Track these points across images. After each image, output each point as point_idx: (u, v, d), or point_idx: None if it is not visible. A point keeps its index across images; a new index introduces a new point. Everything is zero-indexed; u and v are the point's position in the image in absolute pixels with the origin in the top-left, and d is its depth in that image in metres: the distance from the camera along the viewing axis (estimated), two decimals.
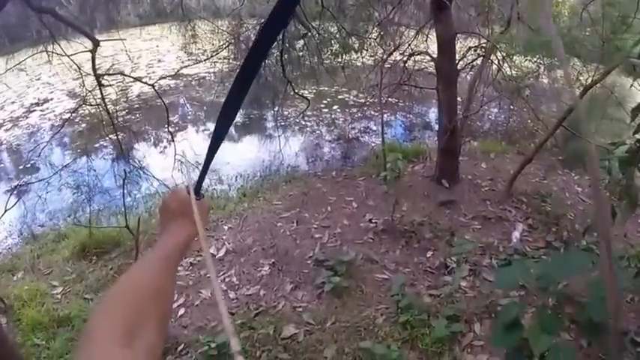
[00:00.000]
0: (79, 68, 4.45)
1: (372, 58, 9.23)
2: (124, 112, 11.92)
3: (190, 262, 5.27)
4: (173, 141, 5.00)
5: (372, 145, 8.95)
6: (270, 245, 5.45)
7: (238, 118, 10.81)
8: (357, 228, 5.65)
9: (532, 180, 6.64)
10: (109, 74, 4.75)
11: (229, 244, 5.58)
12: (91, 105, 3.76)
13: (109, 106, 4.55)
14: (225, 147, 9.33)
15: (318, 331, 4.11)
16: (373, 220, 5.70)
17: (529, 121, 9.09)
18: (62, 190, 6.97)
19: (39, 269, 5.60)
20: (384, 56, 7.46)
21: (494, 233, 5.47)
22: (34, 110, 13.02)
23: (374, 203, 6.22)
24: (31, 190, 6.97)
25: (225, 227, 5.98)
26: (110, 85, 5.33)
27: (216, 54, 5.54)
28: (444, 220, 5.75)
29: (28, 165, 9.13)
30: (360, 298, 4.47)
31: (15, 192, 6.37)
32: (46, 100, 13.69)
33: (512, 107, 8.23)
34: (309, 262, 5.08)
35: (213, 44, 6.99)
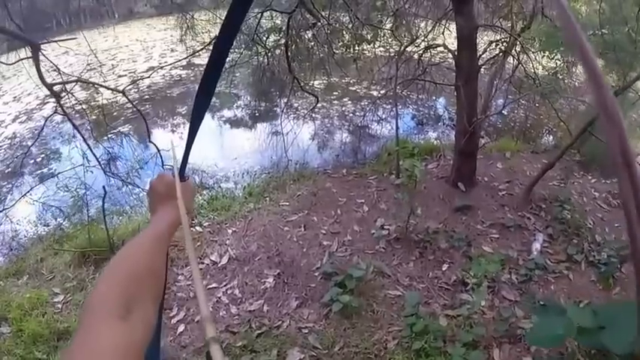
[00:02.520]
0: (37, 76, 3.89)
1: (385, 50, 8.71)
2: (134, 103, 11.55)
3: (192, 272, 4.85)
4: (158, 151, 4.49)
5: (384, 140, 8.42)
6: (276, 253, 5.00)
7: (246, 111, 10.39)
8: (369, 235, 5.18)
9: (550, 184, 6.11)
10: (64, 82, 4.21)
11: (233, 250, 5.14)
12: (60, 114, 3.25)
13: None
14: (233, 142, 8.90)
15: (325, 357, 3.68)
16: (385, 227, 5.22)
17: (545, 119, 8.54)
18: (64, 190, 6.58)
19: (42, 273, 5.23)
20: (401, 48, 6.88)
21: (514, 244, 5.00)
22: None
23: (386, 207, 5.74)
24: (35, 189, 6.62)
25: (229, 231, 5.53)
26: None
27: (209, 44, 5.04)
28: (460, 227, 5.27)
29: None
30: (371, 318, 4.03)
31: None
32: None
33: (535, 105, 7.64)
34: (316, 274, 4.62)
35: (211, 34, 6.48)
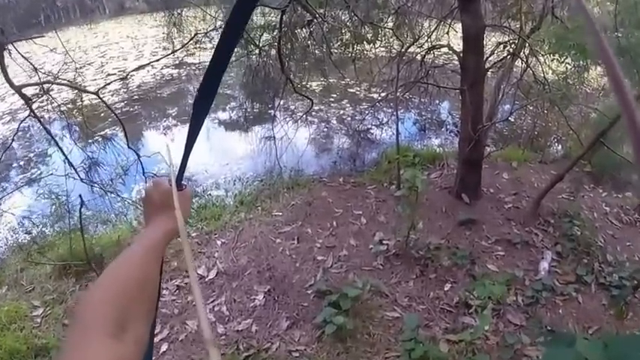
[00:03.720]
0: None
1: (387, 50, 8.57)
2: (122, 104, 11.40)
3: (177, 285, 4.71)
4: (139, 158, 4.33)
5: (384, 146, 8.28)
6: (267, 267, 4.86)
7: (239, 113, 10.21)
8: (366, 250, 5.04)
9: (559, 197, 5.96)
10: (35, 84, 4.04)
11: (221, 263, 5.00)
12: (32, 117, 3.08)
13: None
14: (224, 146, 8.74)
15: None
16: (384, 242, 5.06)
17: (554, 127, 8.40)
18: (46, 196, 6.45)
19: (22, 284, 5.11)
20: (402, 49, 6.73)
21: (520, 262, 4.86)
22: None
23: (385, 219, 5.60)
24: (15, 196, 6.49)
25: (219, 242, 5.39)
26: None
27: (191, 40, 4.88)
28: (463, 243, 5.13)
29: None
30: (367, 342, 3.88)
31: None
32: None
33: (544, 111, 7.48)
34: (309, 291, 4.48)
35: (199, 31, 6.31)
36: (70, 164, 3.66)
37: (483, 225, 5.41)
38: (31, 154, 9.56)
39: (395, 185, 6.05)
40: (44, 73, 5.02)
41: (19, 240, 6.32)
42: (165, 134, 10.17)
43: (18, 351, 3.96)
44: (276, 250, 5.14)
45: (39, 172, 8.19)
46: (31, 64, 4.30)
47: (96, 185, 3.99)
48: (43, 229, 6.46)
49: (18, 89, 2.94)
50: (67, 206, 5.66)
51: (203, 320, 0.65)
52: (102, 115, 10.72)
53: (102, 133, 7.97)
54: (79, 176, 3.61)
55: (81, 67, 16.37)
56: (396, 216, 5.50)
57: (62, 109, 5.41)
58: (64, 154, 3.54)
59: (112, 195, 5.27)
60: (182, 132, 9.60)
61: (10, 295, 4.92)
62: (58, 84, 3.52)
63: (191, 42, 5.23)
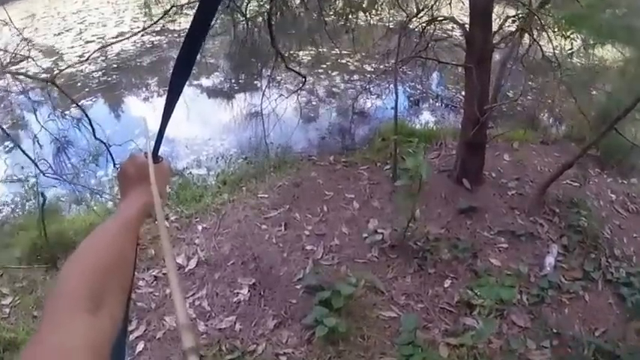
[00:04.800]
0: None
1: (380, 19, 8.17)
2: (100, 73, 10.91)
3: (154, 276, 4.42)
4: (108, 149, 3.96)
5: (377, 121, 7.95)
6: (252, 257, 4.58)
7: (223, 85, 9.78)
8: (359, 240, 4.75)
9: (564, 182, 5.71)
10: None
11: (202, 251, 4.71)
12: None
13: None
14: (207, 120, 8.36)
15: None
16: (379, 231, 4.77)
17: (558, 107, 8.12)
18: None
19: None
20: (405, 20, 6.31)
21: (525, 256, 4.62)
22: None
23: (379, 205, 5.31)
24: None
25: (199, 227, 5.08)
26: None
27: (165, 15, 4.47)
28: (465, 234, 4.87)
29: None
30: (361, 345, 3.64)
31: None
32: None
33: (551, 92, 7.17)
34: (298, 286, 4.20)
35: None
36: (32, 160, 3.29)
37: (485, 214, 5.14)
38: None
39: (390, 168, 5.74)
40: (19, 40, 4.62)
41: None
42: (145, 104, 9.73)
43: None
44: (261, 237, 4.85)
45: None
46: None
47: (60, 178, 3.63)
48: (14, 209, 6.21)
49: None
50: (35, 188, 5.34)
51: (178, 302, 0.61)
52: (78, 84, 10.32)
53: (76, 106, 7.61)
54: (40, 170, 3.24)
55: (59, 34, 15.88)
56: (392, 200, 5.24)
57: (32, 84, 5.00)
58: (24, 152, 3.18)
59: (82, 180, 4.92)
60: (162, 102, 9.20)
61: None
62: (9, 72, 3.10)
63: (170, 11, 4.83)
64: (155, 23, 4.90)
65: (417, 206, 4.56)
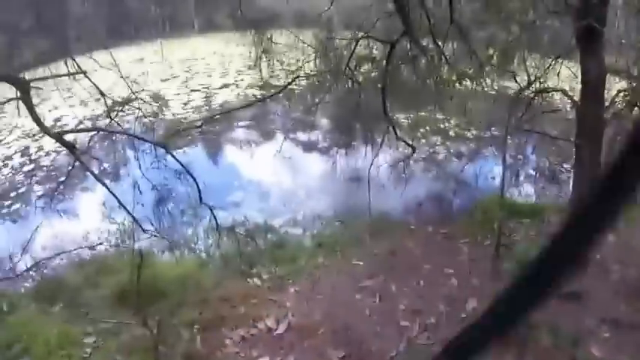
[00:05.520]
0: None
1: (485, 85, 8.02)
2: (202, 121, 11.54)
3: (242, 336, 4.38)
4: (214, 217, 3.99)
5: (478, 191, 7.69)
6: (343, 327, 4.43)
7: (325, 144, 9.88)
8: (457, 320, 4.49)
9: None
10: (69, 132, 3.80)
11: (293, 316, 4.64)
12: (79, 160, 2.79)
13: None
14: (307, 178, 8.45)
15: None
16: (479, 312, 4.50)
17: None
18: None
19: (78, 304, 5.05)
20: (518, 91, 6.13)
21: (627, 347, 4.16)
22: None
23: (479, 283, 5.04)
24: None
25: (292, 290, 5.06)
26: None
27: (291, 83, 4.56)
28: (566, 320, 4.45)
29: None
30: None
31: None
32: None
33: None
34: None
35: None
36: (133, 218, 3.40)
37: (588, 299, 4.73)
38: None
39: (492, 244, 5.46)
40: (132, 85, 4.91)
41: (81, 256, 6.30)
42: (243, 154, 10.09)
43: None
44: (354, 307, 4.72)
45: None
46: (98, 88, 4.15)
47: (158, 236, 3.72)
48: (106, 248, 6.50)
49: (57, 137, 2.66)
50: (132, 232, 5.55)
51: None
52: (182, 131, 10.87)
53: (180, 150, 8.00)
54: (142, 229, 3.32)
55: (166, 80, 17.01)
56: (492, 278, 4.95)
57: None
58: (127, 211, 3.29)
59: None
60: (258, 155, 9.53)
61: (65, 315, 4.85)
62: (101, 130, 3.26)
63: (280, 67, 5.00)
64: (272, 96, 5.06)
65: None
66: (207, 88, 15.33)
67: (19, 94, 2.41)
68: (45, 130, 2.54)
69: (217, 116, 10.89)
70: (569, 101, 5.45)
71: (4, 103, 3.02)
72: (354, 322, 4.51)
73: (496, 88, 7.71)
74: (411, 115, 10.22)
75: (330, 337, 4.36)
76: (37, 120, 2.44)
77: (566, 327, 4.36)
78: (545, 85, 6.40)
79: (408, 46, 5.59)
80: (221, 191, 7.82)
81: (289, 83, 4.40)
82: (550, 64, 6.79)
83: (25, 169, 10.89)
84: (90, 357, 4.24)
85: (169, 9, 28.31)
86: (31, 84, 2.45)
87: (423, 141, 10.07)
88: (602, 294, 4.85)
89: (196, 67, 18.88)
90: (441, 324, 4.48)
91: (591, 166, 4.86)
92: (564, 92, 5.72)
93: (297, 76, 4.56)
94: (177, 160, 3.48)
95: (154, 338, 3.79)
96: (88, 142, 3.39)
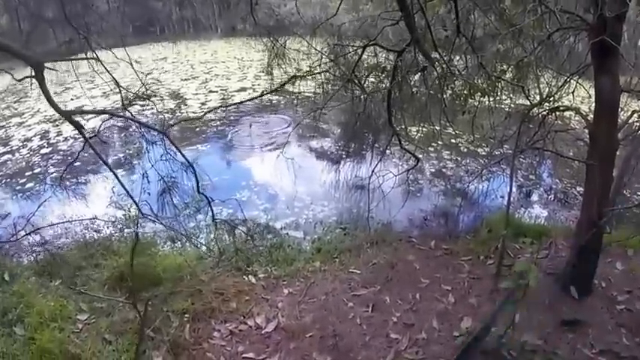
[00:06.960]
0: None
1: (498, 101, 7.90)
2: (218, 123, 11.67)
3: (230, 330, 4.36)
4: (211, 209, 3.94)
5: (484, 209, 7.58)
6: (332, 333, 4.40)
7: (333, 152, 9.85)
8: (449, 338, 4.41)
9: None
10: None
11: (283, 317, 4.64)
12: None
13: None
14: (311, 183, 8.42)
15: None
16: (473, 332, 4.40)
17: None
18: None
19: (75, 283, 5.13)
20: (528, 108, 6.02)
21: None
22: None
23: (477, 302, 4.94)
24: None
25: (285, 291, 5.05)
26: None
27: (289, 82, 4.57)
28: (564, 348, 4.35)
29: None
30: None
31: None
32: None
33: None
34: None
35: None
36: (133, 200, 3.41)
37: (589, 328, 4.61)
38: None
39: (494, 264, 5.36)
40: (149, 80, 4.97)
41: (87, 236, 6.52)
42: (254, 157, 10.23)
43: (49, 352, 3.91)
44: (346, 315, 4.69)
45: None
46: (114, 77, 4.20)
47: (157, 221, 3.73)
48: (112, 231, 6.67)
49: (67, 115, 2.67)
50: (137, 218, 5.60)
51: None
52: (196, 129, 11.05)
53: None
54: (141, 213, 3.33)
55: (186, 80, 17.31)
56: (491, 299, 4.85)
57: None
58: (128, 194, 3.28)
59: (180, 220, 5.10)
60: (268, 158, 9.59)
61: (61, 291, 4.91)
62: (105, 112, 3.25)
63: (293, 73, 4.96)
64: (274, 91, 5.04)
65: (518, 311, 4.15)
66: (225, 90, 15.68)
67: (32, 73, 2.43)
68: (55, 108, 2.56)
69: (220, 109, 11.15)
70: (584, 121, 5.33)
71: (20, 80, 3.10)
72: (343, 329, 4.47)
73: (509, 104, 7.60)
74: (424, 129, 10.13)
75: (317, 341, 4.34)
76: (48, 97, 2.47)
77: (563, 356, 4.25)
78: (560, 104, 6.28)
79: (416, 56, 5.51)
80: (229, 189, 7.93)
81: (287, 82, 4.39)
82: (565, 82, 6.66)
83: (43, 151, 11.22)
84: (80, 332, 4.31)
85: (193, 12, 29.18)
86: (45, 64, 2.46)
87: (434, 155, 10.02)
88: (604, 324, 4.73)
89: (216, 70, 19.35)
90: (432, 340, 4.40)
91: (602, 188, 4.75)
92: (578, 111, 5.61)
93: (295, 76, 4.52)
94: (178, 149, 3.46)
95: (140, 320, 3.78)
96: (99, 128, 3.39)
